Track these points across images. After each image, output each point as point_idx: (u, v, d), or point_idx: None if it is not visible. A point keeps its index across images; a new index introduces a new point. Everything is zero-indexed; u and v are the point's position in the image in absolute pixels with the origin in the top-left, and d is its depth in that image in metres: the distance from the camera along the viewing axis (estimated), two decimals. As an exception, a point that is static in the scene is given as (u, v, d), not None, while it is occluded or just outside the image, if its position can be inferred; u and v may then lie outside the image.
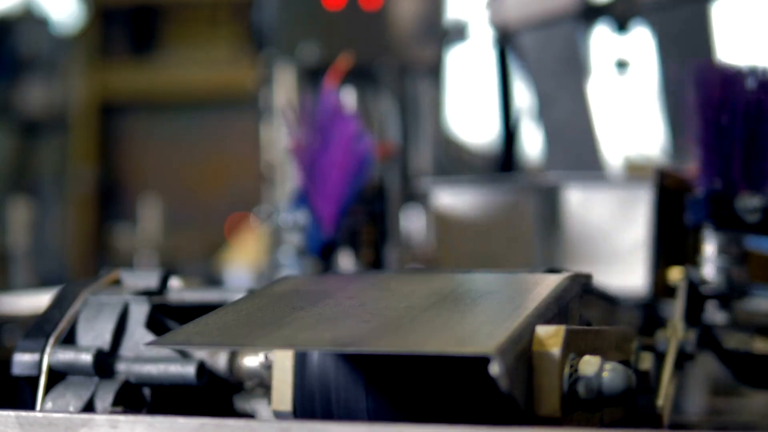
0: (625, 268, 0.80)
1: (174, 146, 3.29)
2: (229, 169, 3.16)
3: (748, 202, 0.69)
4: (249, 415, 0.65)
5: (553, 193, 0.89)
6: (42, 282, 1.79)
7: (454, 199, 0.92)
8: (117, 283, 0.66)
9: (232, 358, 0.61)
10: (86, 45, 3.35)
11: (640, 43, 1.34)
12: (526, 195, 0.89)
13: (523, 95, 1.50)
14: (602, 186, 0.87)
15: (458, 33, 1.63)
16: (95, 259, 3.17)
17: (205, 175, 3.24)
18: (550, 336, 0.50)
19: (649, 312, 0.76)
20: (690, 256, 0.74)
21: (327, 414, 0.56)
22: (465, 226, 0.90)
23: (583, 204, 0.86)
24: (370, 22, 1.64)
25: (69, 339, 0.61)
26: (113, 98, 3.34)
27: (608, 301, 0.70)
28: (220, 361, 0.61)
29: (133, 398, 0.60)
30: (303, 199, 0.85)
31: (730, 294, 0.71)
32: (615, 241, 0.83)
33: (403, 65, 1.64)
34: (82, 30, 3.36)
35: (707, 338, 0.68)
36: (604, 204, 0.85)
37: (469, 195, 0.91)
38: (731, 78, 0.69)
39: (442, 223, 0.92)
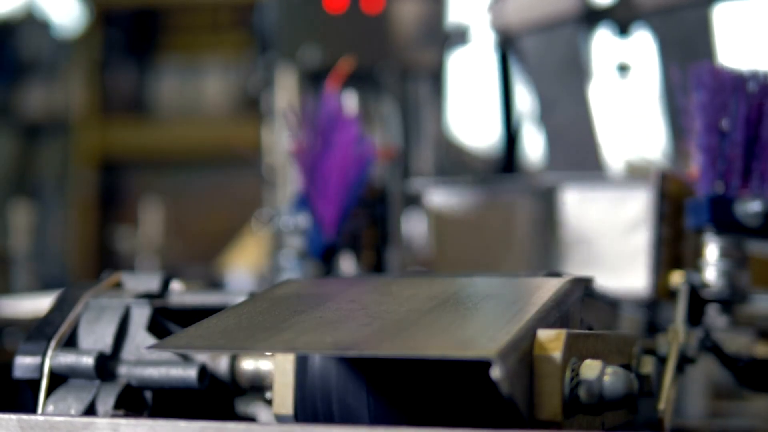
0: (624, 271, 0.79)
1: (178, 151, 3.29)
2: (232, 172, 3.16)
3: (749, 206, 0.69)
4: (250, 419, 0.65)
5: (549, 193, 0.88)
6: (43, 285, 1.79)
7: (448, 199, 0.91)
8: (118, 286, 0.66)
9: (234, 361, 0.62)
10: (87, 48, 3.36)
11: (641, 47, 1.34)
12: (521, 196, 0.89)
13: (524, 99, 1.50)
14: (599, 186, 0.85)
15: (460, 36, 1.63)
16: (96, 263, 3.17)
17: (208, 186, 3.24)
18: (552, 340, 0.50)
19: (650, 316, 0.76)
20: (691, 260, 0.74)
21: (328, 417, 0.56)
22: (460, 228, 0.90)
23: (579, 205, 0.84)
24: (372, 25, 1.64)
25: (70, 342, 0.61)
26: (115, 101, 3.34)
27: (610, 304, 0.70)
28: (221, 364, 0.61)
29: (135, 401, 0.60)
30: (304, 202, 0.85)
31: (731, 298, 0.71)
32: (613, 242, 0.82)
33: (404, 68, 1.64)
34: (84, 33, 3.36)
35: (708, 342, 0.68)
36: (601, 205, 0.83)
37: (463, 196, 0.91)
38: (732, 82, 0.69)
39: (438, 224, 0.92)
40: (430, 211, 0.96)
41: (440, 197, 0.92)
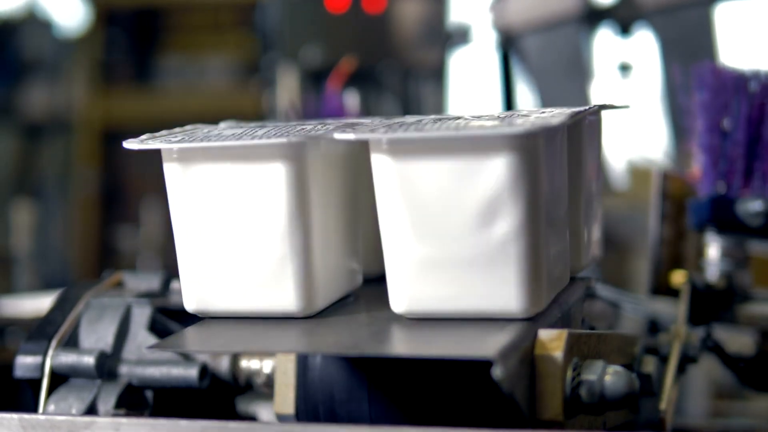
0: (486, 276, 0.50)
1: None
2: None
3: (751, 206, 0.69)
4: (251, 418, 0.65)
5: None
6: (45, 284, 1.79)
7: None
8: (119, 285, 0.66)
9: (234, 361, 0.62)
10: (89, 48, 3.36)
11: (643, 47, 1.34)
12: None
13: (525, 98, 1.50)
14: (436, 148, 0.51)
15: (461, 36, 1.63)
16: (98, 262, 3.17)
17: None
18: (553, 340, 0.50)
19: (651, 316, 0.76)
20: (693, 260, 0.74)
21: (329, 417, 0.56)
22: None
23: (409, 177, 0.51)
24: (373, 25, 1.64)
25: (71, 342, 0.61)
26: (116, 100, 3.35)
27: (611, 304, 0.70)
28: (222, 364, 0.61)
29: (136, 401, 0.60)
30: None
31: (732, 297, 0.71)
32: (463, 234, 0.51)
33: (406, 68, 1.64)
34: (85, 33, 3.37)
35: (710, 342, 0.68)
36: (440, 176, 0.51)
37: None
38: (734, 81, 0.69)
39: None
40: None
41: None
